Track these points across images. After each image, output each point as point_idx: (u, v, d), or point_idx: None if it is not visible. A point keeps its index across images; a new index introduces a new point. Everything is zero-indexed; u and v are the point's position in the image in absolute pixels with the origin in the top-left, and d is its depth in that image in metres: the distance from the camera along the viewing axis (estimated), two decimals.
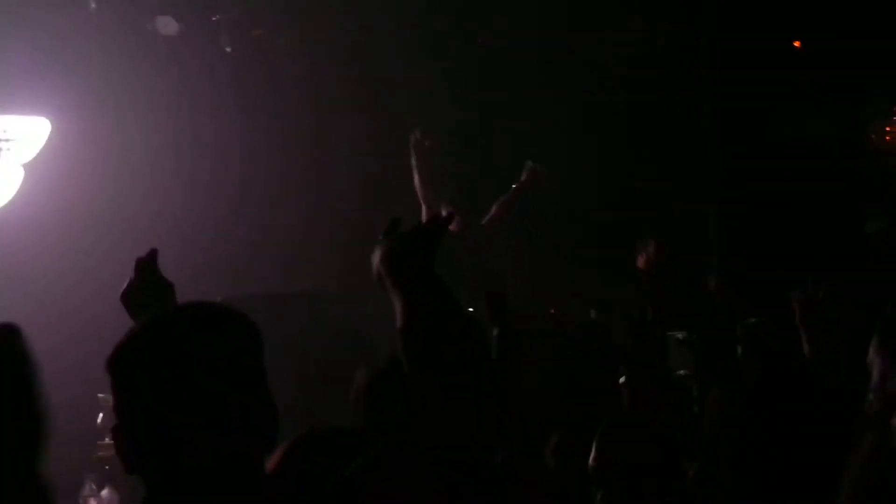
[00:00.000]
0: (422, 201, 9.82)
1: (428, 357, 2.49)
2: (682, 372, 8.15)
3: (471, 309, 4.02)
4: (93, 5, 10.29)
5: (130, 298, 3.79)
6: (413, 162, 9.93)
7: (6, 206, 9.72)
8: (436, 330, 2.52)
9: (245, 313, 2.52)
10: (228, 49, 10.80)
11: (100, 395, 8.41)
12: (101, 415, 8.33)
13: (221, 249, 10.59)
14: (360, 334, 8.74)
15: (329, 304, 8.92)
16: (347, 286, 9.75)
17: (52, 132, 9.50)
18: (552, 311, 9.96)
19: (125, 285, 3.79)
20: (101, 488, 7.70)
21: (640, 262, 10.53)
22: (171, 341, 2.42)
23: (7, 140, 9.38)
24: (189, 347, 2.40)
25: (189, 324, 2.47)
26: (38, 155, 9.59)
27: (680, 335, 8.89)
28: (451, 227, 9.04)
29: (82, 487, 7.85)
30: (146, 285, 3.81)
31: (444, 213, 9.36)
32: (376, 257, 2.69)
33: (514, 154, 10.61)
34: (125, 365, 2.45)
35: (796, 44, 11.55)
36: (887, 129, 11.50)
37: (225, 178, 10.91)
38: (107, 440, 8.17)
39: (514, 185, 10.16)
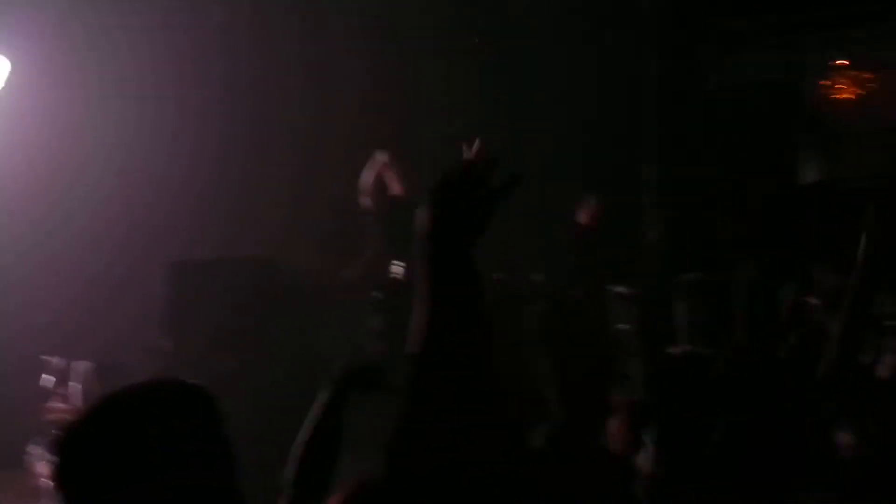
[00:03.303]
0: (364, 186, 9.19)
1: (440, 390, 2.09)
2: (623, 326, 8.22)
3: None
4: None
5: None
6: (380, 171, 9.15)
7: None
8: (455, 358, 2.09)
9: (203, 386, 2.32)
10: None
11: (43, 356, 8.40)
12: (45, 377, 8.31)
13: (176, 209, 10.35)
14: (300, 302, 8.81)
15: (272, 271, 8.93)
16: (292, 253, 9.75)
17: (11, 73, 8.95)
18: (494, 277, 9.96)
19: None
20: (49, 451, 7.69)
21: (582, 217, 10.59)
22: (125, 429, 2.22)
23: None
24: (145, 433, 2.20)
25: (144, 409, 2.25)
26: None
27: (621, 290, 8.97)
28: (396, 190, 9.06)
29: (30, 451, 7.84)
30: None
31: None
32: (419, 226, 2.17)
33: (451, 113, 10.59)
34: (75, 453, 2.24)
35: None
36: (823, 82, 11.60)
37: (186, 131, 10.49)
38: (53, 403, 8.16)
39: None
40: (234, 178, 10.51)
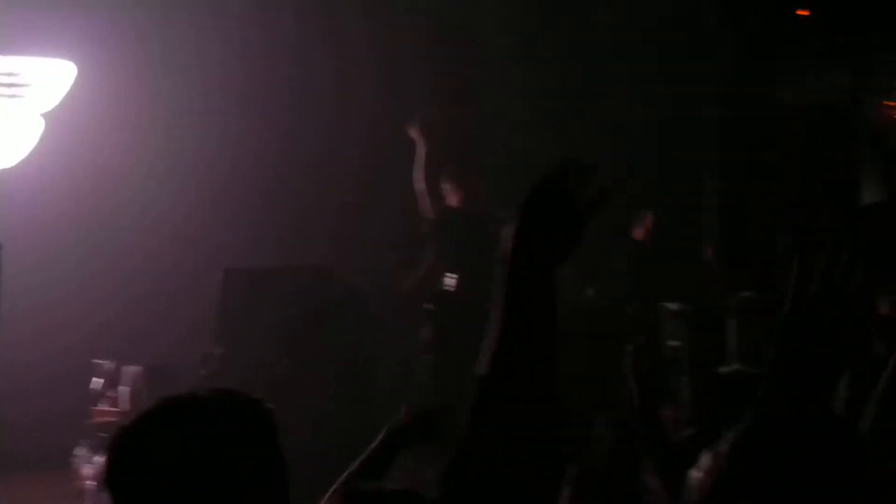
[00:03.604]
0: (419, 194, 9.06)
1: (504, 421, 2.02)
2: (674, 343, 8.18)
3: None
4: None
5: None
6: (419, 150, 9.02)
7: (24, 160, 8.85)
8: (526, 386, 2.02)
9: (258, 399, 2.27)
10: None
11: (95, 360, 8.43)
12: (95, 380, 8.34)
13: (236, 216, 10.28)
14: (359, 311, 8.81)
15: (330, 280, 8.94)
16: (350, 263, 9.72)
17: (76, 78, 8.53)
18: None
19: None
20: (95, 454, 7.72)
21: (638, 233, 10.54)
22: (178, 435, 2.18)
23: (21, 85, 8.50)
24: (197, 441, 2.16)
25: (199, 417, 2.21)
26: (60, 103, 8.62)
27: (674, 306, 8.92)
28: (453, 201, 9.03)
29: (76, 453, 7.88)
30: None
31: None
32: (502, 243, 2.03)
33: (512, 118, 10.58)
34: (125, 455, 2.20)
35: (804, 12, 11.55)
36: (888, 103, 11.51)
37: (248, 139, 10.43)
38: (101, 406, 8.20)
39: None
40: (295, 187, 10.47)
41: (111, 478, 2.18)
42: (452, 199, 9.00)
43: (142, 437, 2.18)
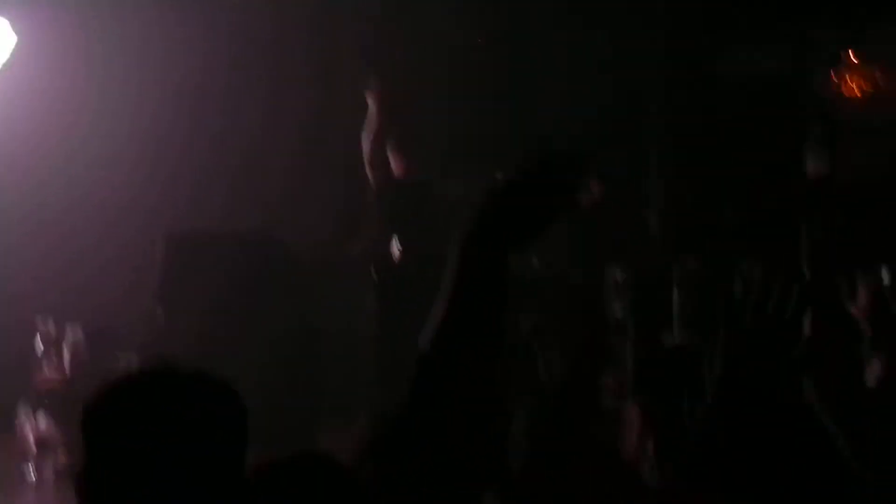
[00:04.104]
0: (368, 165, 8.83)
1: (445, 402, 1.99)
2: (617, 310, 8.19)
3: None
4: None
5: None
6: (374, 121, 8.75)
7: None
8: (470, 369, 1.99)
9: (233, 386, 2.20)
10: None
11: (36, 320, 8.39)
12: (38, 338, 8.30)
13: (178, 177, 10.20)
14: (299, 277, 8.79)
15: (270, 244, 8.90)
16: (294, 226, 9.67)
17: (15, 44, 8.86)
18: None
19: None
20: (36, 414, 7.68)
21: (582, 200, 10.51)
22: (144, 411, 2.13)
23: None
24: (170, 417, 2.10)
25: (174, 394, 2.16)
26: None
27: (616, 274, 8.94)
28: (397, 171, 8.96)
29: (17, 413, 7.84)
30: None
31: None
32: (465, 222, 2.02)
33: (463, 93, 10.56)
34: (96, 422, 2.15)
35: None
36: (834, 76, 11.56)
37: (189, 99, 10.36)
38: (45, 369, 8.15)
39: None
40: (236, 150, 10.44)
41: (86, 436, 2.14)
42: (397, 168, 8.93)
43: (120, 403, 2.15)
